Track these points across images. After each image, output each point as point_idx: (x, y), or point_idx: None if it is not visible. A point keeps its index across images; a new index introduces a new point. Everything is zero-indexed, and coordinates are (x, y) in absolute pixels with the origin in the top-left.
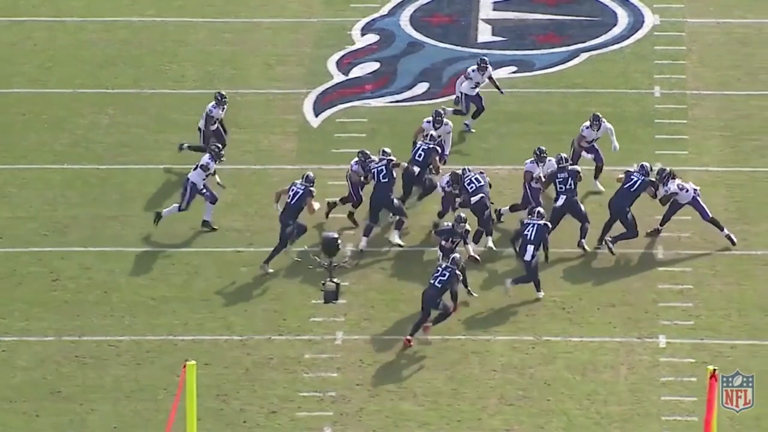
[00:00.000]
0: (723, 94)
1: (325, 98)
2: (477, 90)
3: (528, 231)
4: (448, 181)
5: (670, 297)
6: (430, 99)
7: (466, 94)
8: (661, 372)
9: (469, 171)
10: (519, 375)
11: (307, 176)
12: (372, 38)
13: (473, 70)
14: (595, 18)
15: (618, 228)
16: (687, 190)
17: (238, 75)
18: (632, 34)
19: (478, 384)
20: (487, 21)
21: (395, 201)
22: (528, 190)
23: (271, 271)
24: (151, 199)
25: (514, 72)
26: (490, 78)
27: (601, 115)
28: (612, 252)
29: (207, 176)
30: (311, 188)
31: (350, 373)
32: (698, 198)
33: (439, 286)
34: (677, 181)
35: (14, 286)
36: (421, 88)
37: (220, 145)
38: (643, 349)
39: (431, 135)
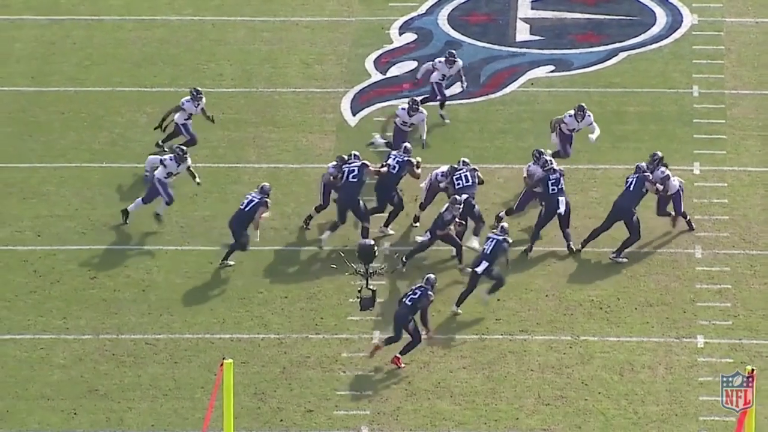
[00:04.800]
0: (761, 93)
1: (363, 97)
2: (445, 81)
3: (487, 245)
4: (443, 173)
5: (708, 297)
6: (468, 98)
7: (436, 83)
8: (699, 372)
9: (465, 165)
10: (556, 375)
11: (263, 187)
12: (410, 37)
13: (440, 62)
14: (634, 17)
15: (607, 236)
16: (674, 180)
17: (276, 74)
18: (671, 34)
19: (516, 384)
20: (526, 20)
21: (362, 204)
22: (526, 192)
23: (232, 263)
24: (188, 197)
25: (552, 71)
26: (458, 72)
27: (586, 107)
28: (620, 262)
29: (168, 174)
30: (267, 199)
31: (387, 372)
32: (681, 192)
33: (410, 304)
34: (666, 170)
35: (52, 284)
36: (458, 86)
37: (184, 147)
38: (680, 349)
39: (405, 147)
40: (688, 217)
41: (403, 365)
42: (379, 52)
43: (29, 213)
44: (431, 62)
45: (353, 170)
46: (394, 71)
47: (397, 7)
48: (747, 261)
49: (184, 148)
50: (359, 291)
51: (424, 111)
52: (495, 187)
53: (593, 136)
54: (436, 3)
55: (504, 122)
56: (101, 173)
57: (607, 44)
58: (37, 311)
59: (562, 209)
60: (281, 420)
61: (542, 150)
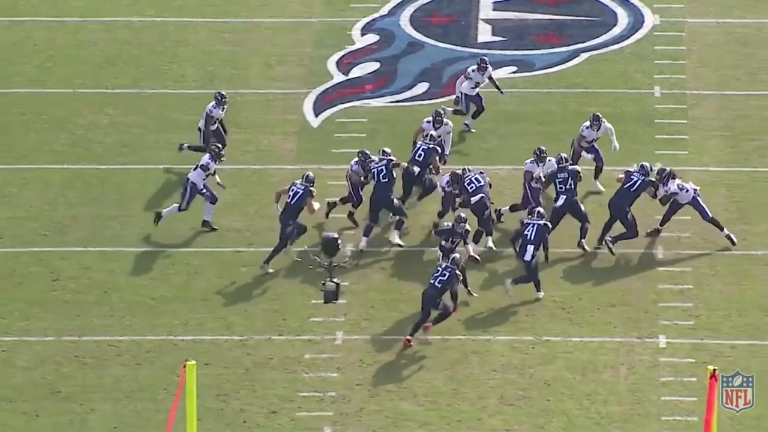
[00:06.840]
0: (723, 94)
1: (325, 98)
2: (477, 90)
3: (528, 231)
4: (448, 181)
5: (670, 297)
6: (430, 99)
7: (466, 94)
8: (661, 372)
9: (469, 171)
10: (519, 375)
11: (307, 176)
12: (372, 38)
13: (473, 70)
14: (595, 18)
15: (618, 228)
16: (687, 190)
17: (238, 75)
18: (632, 34)
19: (478, 384)
20: (487, 21)
21: (395, 201)
22: (528, 190)
23: (271, 271)
24: (150, 199)
25: (514, 72)
26: (490, 78)
27: (600, 115)
28: (612, 252)
29: (207, 176)
30: (311, 188)
31: (350, 373)
32: (698, 198)
33: (439, 286)
34: (677, 181)
35: (14, 286)
36: (421, 88)
37: (220, 145)
38: (643, 349)
39: (431, 135)
40: (663, 227)
41: (412, 344)
42: (342, 53)
43: None
44: (464, 73)
45: (381, 170)
46: (357, 72)
47: (358, 8)
48: (708, 261)
49: (219, 145)
50: (323, 284)
51: (450, 122)
52: None
53: (616, 144)
54: (398, 4)
55: None
56: (63, 175)
57: (568, 45)
58: None
59: (557, 204)
60: (244, 421)
61: (543, 148)
